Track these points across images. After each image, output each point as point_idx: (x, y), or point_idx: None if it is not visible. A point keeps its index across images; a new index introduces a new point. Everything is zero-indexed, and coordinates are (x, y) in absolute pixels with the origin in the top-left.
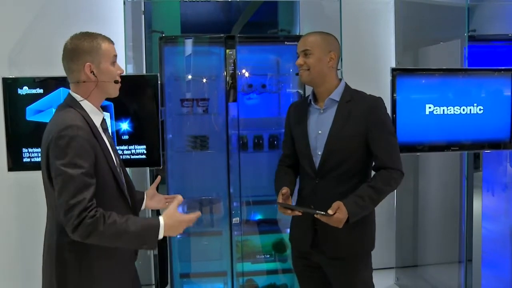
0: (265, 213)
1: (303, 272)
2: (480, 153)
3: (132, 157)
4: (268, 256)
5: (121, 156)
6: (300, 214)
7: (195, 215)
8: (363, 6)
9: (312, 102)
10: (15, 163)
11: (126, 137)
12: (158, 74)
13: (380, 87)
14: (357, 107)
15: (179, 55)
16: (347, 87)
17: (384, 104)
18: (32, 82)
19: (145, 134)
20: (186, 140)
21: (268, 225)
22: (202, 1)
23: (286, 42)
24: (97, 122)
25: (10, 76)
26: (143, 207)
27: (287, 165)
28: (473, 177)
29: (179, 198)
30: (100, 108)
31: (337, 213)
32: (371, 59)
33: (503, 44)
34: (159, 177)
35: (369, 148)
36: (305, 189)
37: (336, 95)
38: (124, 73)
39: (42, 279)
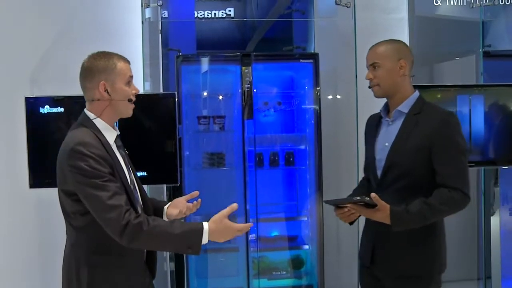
0: (282, 229)
1: None
2: (498, 168)
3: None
4: (285, 272)
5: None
6: (347, 211)
7: (246, 225)
8: (378, 22)
9: (382, 114)
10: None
11: None
12: (176, 92)
13: None
14: (425, 121)
15: (196, 73)
16: (419, 99)
17: (456, 119)
18: (53, 101)
19: (162, 151)
20: (203, 157)
21: (285, 242)
22: (217, 18)
23: (301, 60)
24: (110, 139)
25: (32, 96)
26: (164, 218)
27: (366, 178)
28: (490, 193)
29: (234, 205)
30: (115, 126)
31: (380, 210)
32: None
33: None
34: (197, 192)
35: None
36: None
37: (405, 107)
38: (142, 91)
39: None
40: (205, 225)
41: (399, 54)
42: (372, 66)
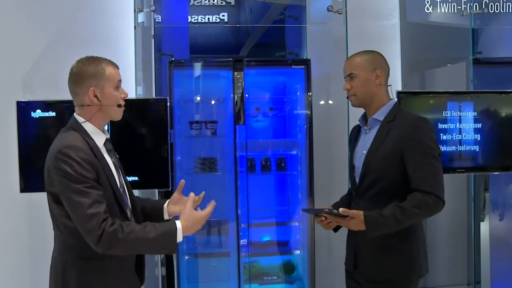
0: (273, 234)
1: None
2: (488, 175)
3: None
4: (276, 277)
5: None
6: (323, 219)
7: (210, 208)
8: (370, 28)
9: (361, 124)
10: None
11: None
12: (168, 97)
13: None
14: (397, 127)
15: (188, 78)
16: (395, 107)
17: (427, 124)
18: (44, 105)
19: (154, 156)
20: (195, 162)
21: (276, 247)
22: (210, 23)
23: (293, 66)
24: (99, 143)
25: (24, 100)
26: (165, 216)
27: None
28: (480, 198)
29: (193, 197)
30: (105, 130)
31: (353, 218)
32: None
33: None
34: (183, 181)
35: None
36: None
37: (380, 114)
38: (134, 96)
39: None
40: (178, 223)
41: (375, 64)
42: (349, 76)
